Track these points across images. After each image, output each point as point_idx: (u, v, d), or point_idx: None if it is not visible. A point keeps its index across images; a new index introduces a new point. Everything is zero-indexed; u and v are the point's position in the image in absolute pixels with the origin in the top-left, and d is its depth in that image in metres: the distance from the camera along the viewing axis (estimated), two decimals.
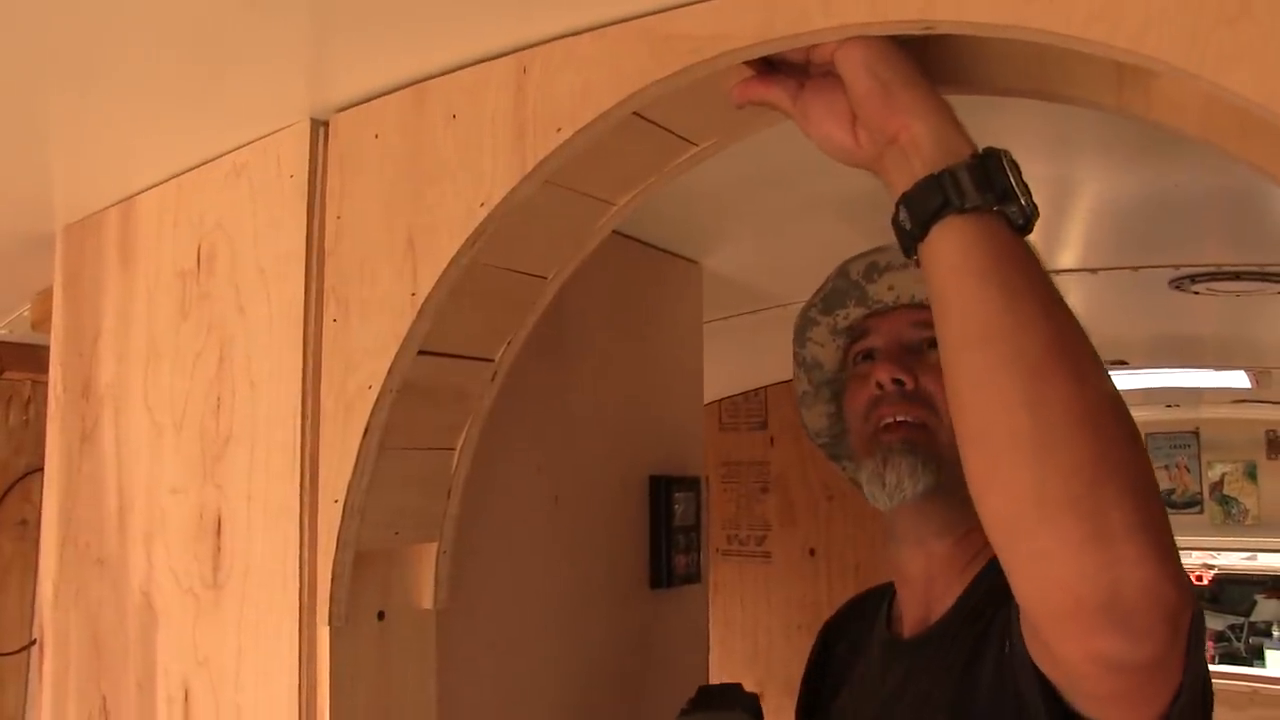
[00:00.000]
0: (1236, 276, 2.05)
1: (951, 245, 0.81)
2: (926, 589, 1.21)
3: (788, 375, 3.77)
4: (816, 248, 2.05)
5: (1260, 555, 6.52)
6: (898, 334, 1.26)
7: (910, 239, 0.84)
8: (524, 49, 1.07)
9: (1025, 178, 0.82)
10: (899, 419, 1.19)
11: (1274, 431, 4.48)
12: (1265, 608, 6.82)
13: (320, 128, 1.22)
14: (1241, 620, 6.84)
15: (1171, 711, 0.82)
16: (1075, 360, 0.76)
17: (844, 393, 1.33)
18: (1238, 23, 0.73)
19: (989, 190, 0.80)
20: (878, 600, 1.36)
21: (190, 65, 1.13)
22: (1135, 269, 2.02)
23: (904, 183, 0.84)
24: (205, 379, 1.28)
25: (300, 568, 1.15)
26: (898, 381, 1.21)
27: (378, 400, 1.13)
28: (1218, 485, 6.41)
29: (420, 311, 1.11)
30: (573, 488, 1.69)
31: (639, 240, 1.92)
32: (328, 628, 1.14)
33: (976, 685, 1.02)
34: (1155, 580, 0.71)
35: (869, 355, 1.27)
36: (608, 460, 1.81)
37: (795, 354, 1.41)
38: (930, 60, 0.92)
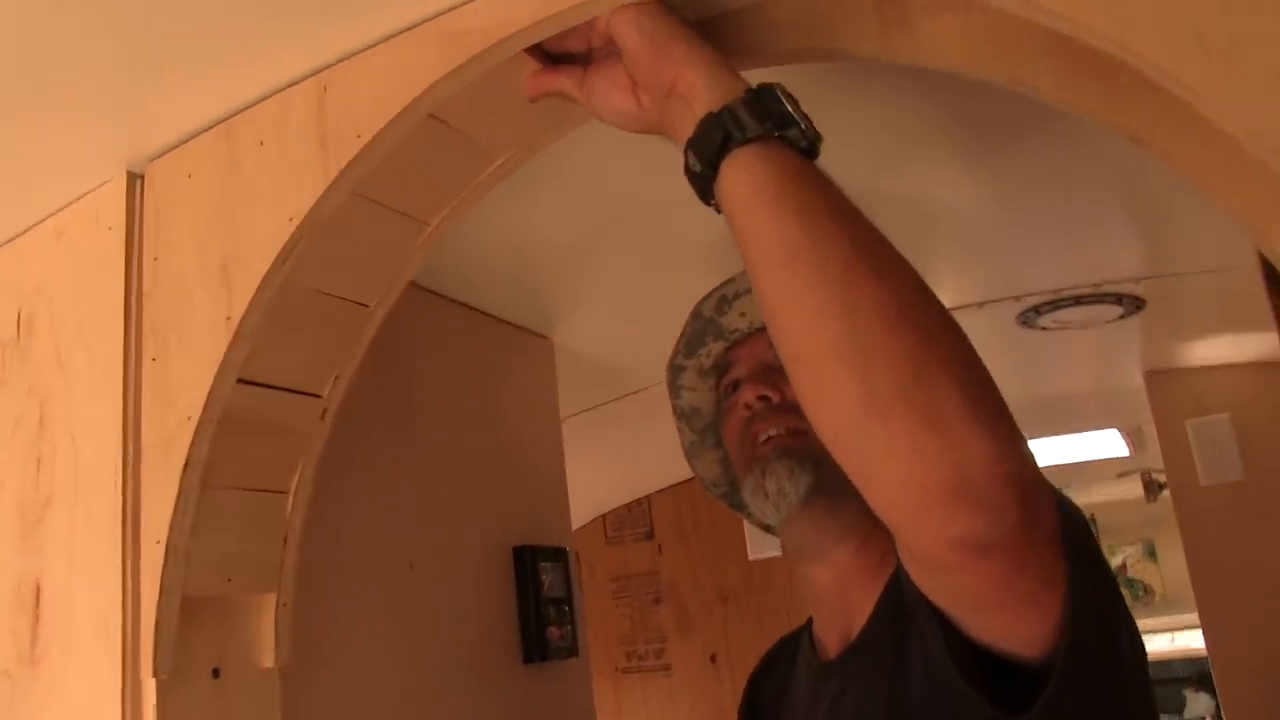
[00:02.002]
0: (1076, 301, 2.12)
1: (742, 176, 0.83)
2: (842, 603, 1.18)
3: (668, 481, 3.78)
4: (668, 310, 2.08)
5: (1177, 635, 6.52)
6: (759, 357, 1.27)
7: (703, 181, 0.86)
8: (323, 69, 1.09)
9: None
10: (772, 433, 1.20)
11: (1148, 474, 4.58)
12: (1195, 703, 6.78)
13: (136, 180, 1.23)
14: (1175, 718, 6.82)
15: (1065, 622, 0.80)
16: (879, 263, 0.78)
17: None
18: None
19: (767, 119, 0.82)
20: (795, 639, 1.33)
21: (4, 129, 1.13)
22: (980, 305, 2.08)
23: (688, 130, 0.86)
24: (25, 443, 1.23)
25: (123, 619, 1.09)
26: (764, 398, 1.22)
27: (197, 431, 1.10)
28: (1121, 570, 6.48)
29: (236, 335, 1.09)
30: (429, 555, 1.65)
31: (486, 313, 1.93)
32: (154, 680, 1.08)
33: (909, 676, 1.00)
34: (995, 454, 0.71)
35: (736, 385, 1.28)
36: (466, 530, 1.78)
37: (673, 406, 1.41)
38: (713, 38, 0.96)
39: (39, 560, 1.19)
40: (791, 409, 1.19)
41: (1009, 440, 0.73)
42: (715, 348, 1.33)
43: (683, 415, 1.41)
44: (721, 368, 1.33)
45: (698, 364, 1.36)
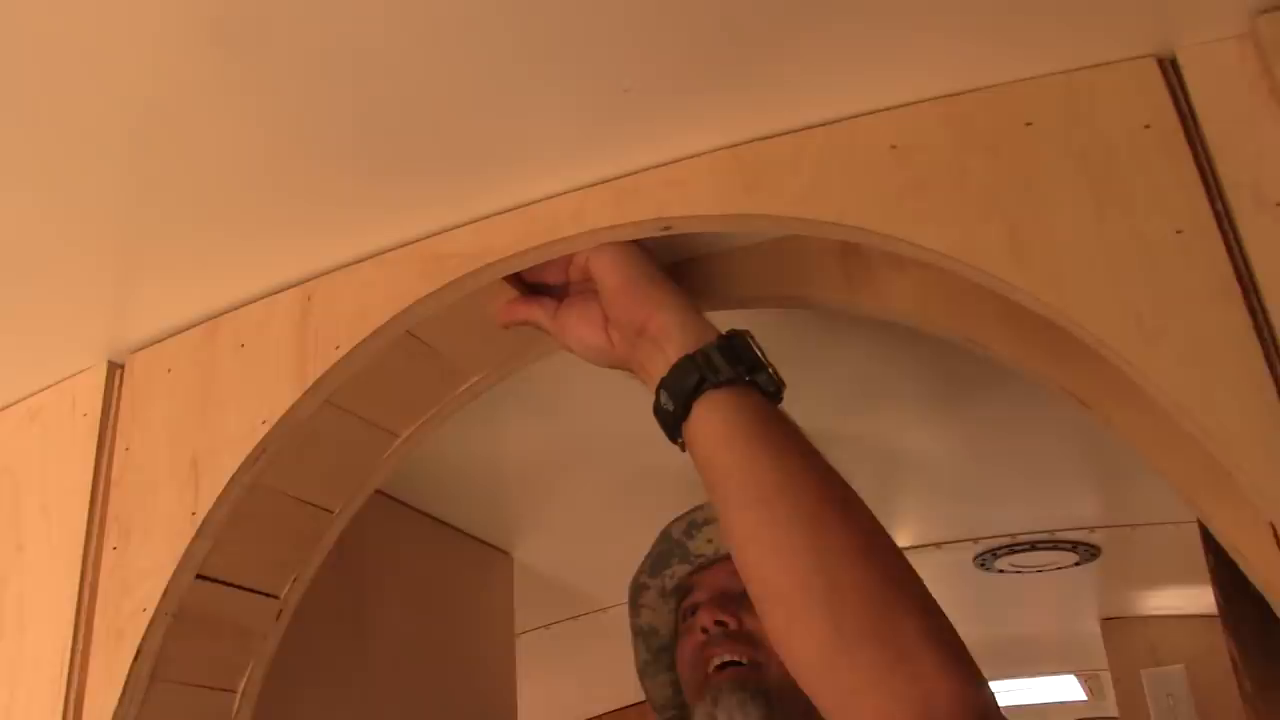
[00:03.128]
0: (1032, 546, 2.15)
1: (714, 417, 0.86)
2: None
3: (621, 702, 3.67)
4: (630, 535, 2.09)
5: None
6: (720, 584, 1.28)
7: (674, 420, 0.89)
8: (309, 280, 1.14)
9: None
10: (726, 659, 1.20)
11: None
12: None
13: (116, 370, 1.25)
14: None
15: None
16: (843, 503, 0.81)
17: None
18: (921, 191, 0.83)
19: (739, 363, 0.87)
20: None
21: None
22: (939, 545, 2.10)
23: (660, 369, 0.89)
24: None
25: None
26: (720, 623, 1.23)
27: (151, 624, 1.09)
28: None
29: (199, 531, 1.10)
30: None
31: (448, 524, 1.94)
32: None
33: None
34: (959, 689, 0.73)
35: (695, 609, 1.29)
36: None
37: (631, 624, 1.42)
38: (684, 280, 1.01)
39: None
40: (747, 637, 1.20)
41: (971, 675, 0.74)
42: (679, 570, 1.34)
43: (640, 633, 1.41)
44: (683, 591, 1.34)
45: (660, 584, 1.37)
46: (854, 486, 0.84)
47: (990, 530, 2.14)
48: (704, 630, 1.24)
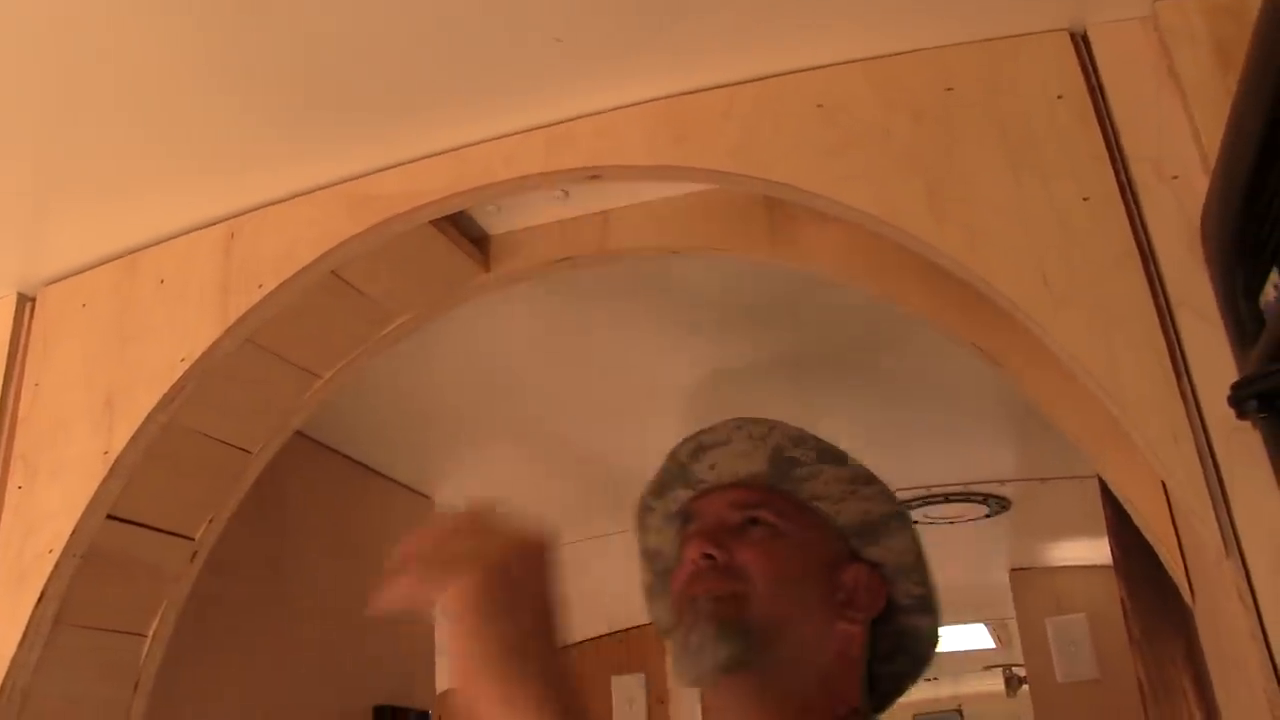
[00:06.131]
0: (946, 499, 2.19)
1: None
2: None
3: None
4: (549, 482, 2.08)
5: None
6: (718, 514, 1.26)
7: None
8: (233, 216, 1.11)
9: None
10: (709, 592, 1.20)
11: (1009, 669, 4.62)
12: None
13: (27, 303, 1.22)
14: None
15: None
16: None
17: None
18: (845, 150, 0.84)
19: None
20: None
21: None
22: None
23: None
24: None
25: None
26: (709, 557, 1.21)
27: (57, 565, 1.06)
28: None
29: (112, 470, 1.07)
30: (288, 709, 1.60)
31: (368, 467, 1.93)
32: None
33: None
34: None
35: (690, 540, 1.29)
36: (328, 685, 1.73)
37: (639, 544, 1.40)
38: (609, 227, 1.01)
39: None
40: (734, 572, 1.19)
41: None
42: (682, 495, 1.32)
43: (646, 555, 1.39)
44: (685, 516, 1.33)
45: (664, 507, 1.34)
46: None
47: (905, 482, 2.18)
48: (693, 562, 1.23)
